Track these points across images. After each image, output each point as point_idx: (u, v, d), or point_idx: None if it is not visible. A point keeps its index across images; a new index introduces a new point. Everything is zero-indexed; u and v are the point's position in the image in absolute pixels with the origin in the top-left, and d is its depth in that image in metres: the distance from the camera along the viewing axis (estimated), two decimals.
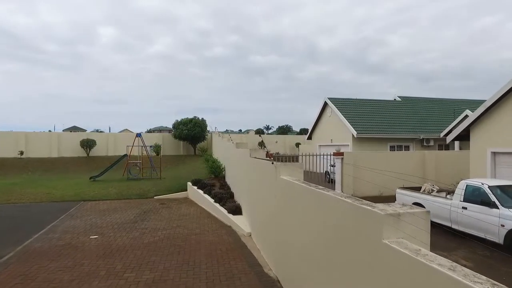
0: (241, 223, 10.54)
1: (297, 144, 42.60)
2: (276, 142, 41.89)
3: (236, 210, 11.57)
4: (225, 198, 13.20)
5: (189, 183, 17.24)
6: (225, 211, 11.82)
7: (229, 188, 15.16)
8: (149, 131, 67.27)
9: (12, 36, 77.38)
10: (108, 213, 13.33)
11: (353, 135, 23.93)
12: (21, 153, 29.29)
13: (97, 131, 55.83)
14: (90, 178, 21.93)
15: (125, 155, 23.00)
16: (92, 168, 28.36)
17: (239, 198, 12.37)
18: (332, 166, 18.46)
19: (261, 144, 43.74)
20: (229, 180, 16.23)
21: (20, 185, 20.23)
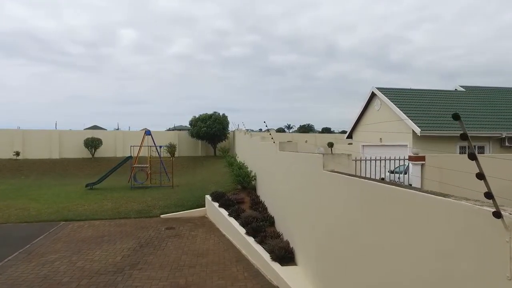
0: (297, 283, 5.86)
1: (330, 144, 37.56)
2: (306, 141, 37.02)
3: (285, 256, 6.86)
4: (262, 227, 8.54)
5: (208, 197, 12.68)
6: (265, 256, 7.14)
7: (265, 208, 10.48)
8: (169, 130, 63.59)
9: (40, 40, 76.06)
10: (88, 246, 8.92)
11: (414, 133, 18.80)
12: (17, 153, 25.60)
13: (121, 130, 52.22)
14: (86, 185, 17.76)
15: (130, 157, 18.76)
16: (95, 171, 24.36)
17: (289, 232, 7.66)
18: (392, 172, 13.58)
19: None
20: (263, 194, 11.56)
21: None
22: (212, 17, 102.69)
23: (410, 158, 12.21)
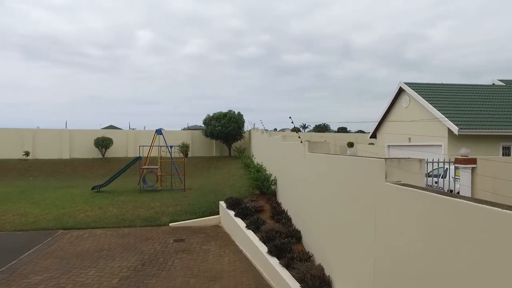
0: None
1: (350, 144, 35.64)
2: (325, 141, 35.19)
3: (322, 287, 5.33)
4: (288, 246, 7.02)
5: (222, 204, 11.25)
6: (294, 285, 5.63)
7: (288, 218, 8.95)
8: (184, 130, 62.63)
9: (61, 42, 76.94)
10: (82, 264, 7.60)
11: (450, 132, 16.95)
12: (27, 153, 24.81)
13: (132, 130, 51.60)
14: (92, 188, 16.63)
15: (139, 157, 17.54)
16: (105, 172, 23.32)
17: (324, 253, 6.12)
18: (428, 176, 11.84)
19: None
20: (286, 201, 10.04)
21: (0, 197, 15.27)
22: (226, 17, 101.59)
23: (457, 161, 10.48)
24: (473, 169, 10.12)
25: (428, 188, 3.29)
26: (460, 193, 10.05)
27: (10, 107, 77.33)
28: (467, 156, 10.29)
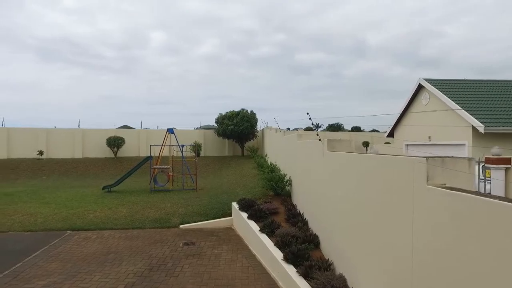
0: None
1: (366, 144, 34.72)
2: (340, 139, 34.34)
3: None
4: (305, 252, 6.47)
5: (235, 206, 10.76)
6: None
7: (304, 222, 8.39)
8: (197, 129, 62.37)
9: (75, 44, 77.58)
10: (88, 268, 7.23)
11: (474, 130, 16.02)
12: (40, 153, 24.89)
13: (145, 129, 51.65)
14: (103, 188, 16.40)
15: (149, 157, 17.22)
16: (117, 171, 23.17)
17: (346, 261, 5.56)
18: None
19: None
20: (302, 203, 9.47)
21: (13, 196, 15.17)
22: (239, 17, 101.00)
23: (488, 161, 9.72)
24: (506, 169, 9.38)
25: (488, 194, 2.72)
26: (489, 192, 9.31)
27: (26, 107, 79.03)
28: (499, 156, 9.54)
